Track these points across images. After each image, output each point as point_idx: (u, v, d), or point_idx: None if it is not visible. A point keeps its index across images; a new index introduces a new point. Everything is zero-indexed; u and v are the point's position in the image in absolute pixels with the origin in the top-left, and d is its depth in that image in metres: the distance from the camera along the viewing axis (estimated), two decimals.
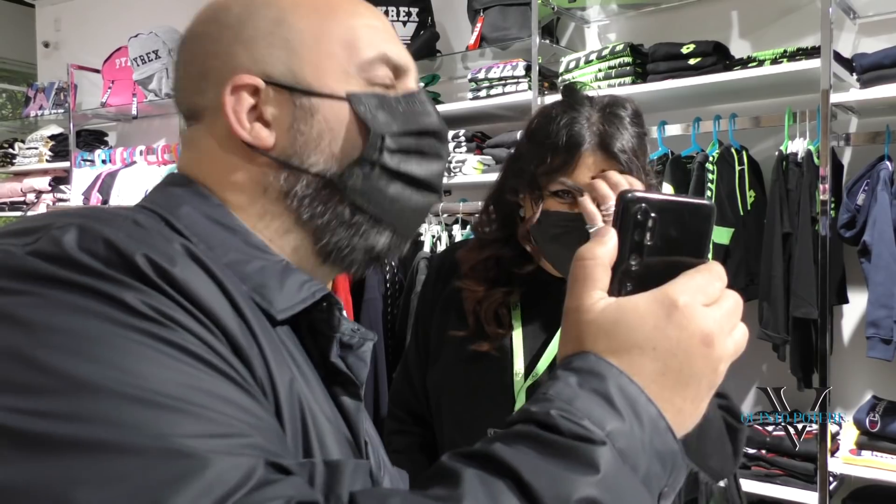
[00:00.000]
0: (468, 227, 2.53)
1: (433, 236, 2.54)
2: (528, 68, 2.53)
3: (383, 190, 0.61)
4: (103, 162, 3.98)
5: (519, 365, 1.15)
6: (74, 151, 4.11)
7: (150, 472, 0.38)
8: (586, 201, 1.03)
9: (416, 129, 0.63)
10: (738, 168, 2.16)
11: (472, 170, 2.65)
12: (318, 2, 0.62)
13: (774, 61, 2.08)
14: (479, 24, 2.67)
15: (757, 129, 2.27)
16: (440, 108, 2.78)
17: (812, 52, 2.03)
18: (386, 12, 2.81)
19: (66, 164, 4.16)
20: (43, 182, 4.29)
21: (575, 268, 0.48)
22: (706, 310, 0.46)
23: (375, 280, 2.32)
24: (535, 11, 2.47)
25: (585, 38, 2.76)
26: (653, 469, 0.44)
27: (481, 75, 2.65)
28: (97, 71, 4.13)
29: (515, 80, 2.57)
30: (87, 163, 4.06)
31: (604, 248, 0.47)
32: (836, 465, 2.03)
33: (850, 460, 2.03)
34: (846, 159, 2.24)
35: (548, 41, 2.60)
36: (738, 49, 2.36)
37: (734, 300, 0.48)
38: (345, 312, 0.60)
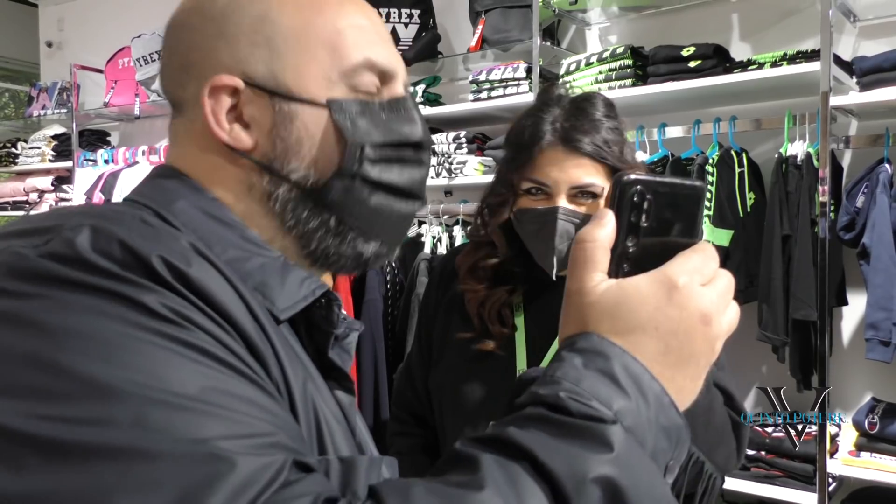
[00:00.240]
0: (469, 228, 2.54)
1: (434, 237, 2.54)
2: (528, 70, 2.54)
3: (365, 201, 0.60)
4: (106, 162, 3.99)
5: (522, 364, 1.17)
6: (77, 151, 4.12)
7: (183, 476, 0.39)
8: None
9: (398, 139, 0.61)
10: (737, 170, 2.17)
11: (472, 171, 2.66)
12: None
13: (774, 64, 2.09)
14: (480, 26, 2.68)
15: (757, 132, 2.28)
16: (441, 109, 2.80)
17: (812, 56, 2.04)
18: (388, 14, 2.83)
19: (68, 164, 4.17)
20: (45, 182, 4.30)
21: (575, 251, 0.49)
22: (704, 289, 0.47)
23: (376, 281, 2.33)
24: (536, 14, 2.48)
25: (586, 41, 2.77)
26: (659, 444, 0.45)
27: (482, 77, 2.66)
28: (100, 71, 4.14)
29: (516, 82, 2.58)
30: (90, 162, 4.07)
31: (603, 231, 0.48)
32: (835, 466, 2.04)
33: (849, 462, 2.04)
34: (846, 162, 2.24)
35: (549, 43, 2.60)
36: (739, 52, 2.37)
37: (727, 279, 0.49)
38: (343, 309, 0.60)
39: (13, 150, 4.54)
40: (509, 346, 1.18)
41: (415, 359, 1.33)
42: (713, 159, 2.17)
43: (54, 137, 4.31)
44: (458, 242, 2.53)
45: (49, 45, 4.84)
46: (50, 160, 4.28)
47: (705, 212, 2.14)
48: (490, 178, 1.28)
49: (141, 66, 3.72)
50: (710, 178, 2.15)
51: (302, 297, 0.56)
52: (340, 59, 0.59)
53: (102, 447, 0.38)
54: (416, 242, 2.61)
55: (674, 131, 2.36)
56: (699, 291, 0.47)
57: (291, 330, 0.57)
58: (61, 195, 4.22)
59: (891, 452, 1.99)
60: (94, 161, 4.05)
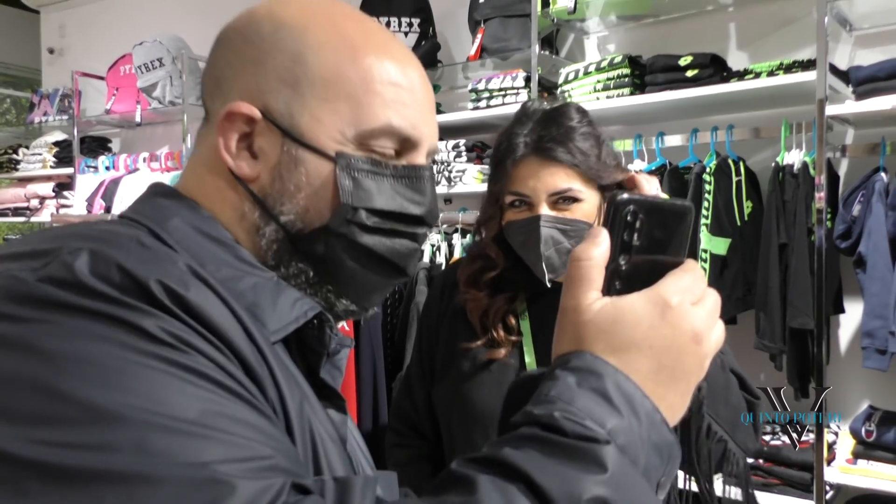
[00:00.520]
0: (468, 236, 2.55)
1: (433, 245, 2.56)
2: (527, 79, 2.55)
3: (343, 262, 0.60)
4: (107, 168, 4.00)
5: (532, 367, 1.18)
6: (78, 158, 4.13)
7: (183, 500, 0.39)
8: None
9: (398, 209, 0.60)
10: (735, 179, 2.18)
11: (471, 179, 2.68)
12: (347, 44, 0.59)
13: (771, 73, 2.10)
14: (479, 35, 2.69)
15: (754, 140, 2.29)
16: (441, 117, 2.81)
17: (808, 65, 2.05)
18: (388, 23, 2.84)
19: (69, 171, 4.19)
20: (46, 188, 4.32)
21: (571, 268, 0.50)
22: (695, 309, 0.49)
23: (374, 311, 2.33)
24: (534, 23, 2.49)
25: (585, 49, 2.78)
26: (651, 461, 0.46)
27: (482, 86, 2.67)
28: (101, 78, 4.16)
29: (515, 91, 2.60)
30: (91, 169, 4.09)
31: (599, 249, 0.49)
32: (832, 474, 2.04)
33: (846, 469, 2.05)
34: (842, 170, 2.25)
35: (547, 52, 2.62)
36: (736, 61, 2.38)
37: (715, 298, 0.51)
38: (336, 328, 0.60)
39: (14, 156, 4.55)
40: (517, 351, 1.20)
41: (414, 371, 1.34)
42: (711, 168, 2.18)
43: (56, 144, 4.33)
44: (457, 251, 2.54)
45: (51, 51, 4.86)
46: (51, 167, 4.29)
47: (703, 220, 2.15)
48: None
49: (142, 73, 3.73)
50: (707, 186, 2.16)
51: (293, 319, 0.56)
52: (360, 118, 0.58)
53: (104, 472, 0.39)
54: None
55: (672, 140, 2.37)
56: (691, 311, 0.48)
57: (284, 349, 0.57)
58: (62, 202, 4.23)
59: (888, 460, 2.00)
60: (96, 168, 4.06)
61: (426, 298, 1.41)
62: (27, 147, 4.53)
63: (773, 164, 2.15)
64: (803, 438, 2.12)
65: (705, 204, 2.16)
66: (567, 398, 0.45)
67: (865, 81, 1.99)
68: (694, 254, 2.15)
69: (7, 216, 4.60)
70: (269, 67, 0.58)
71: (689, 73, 2.22)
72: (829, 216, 2.03)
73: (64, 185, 4.28)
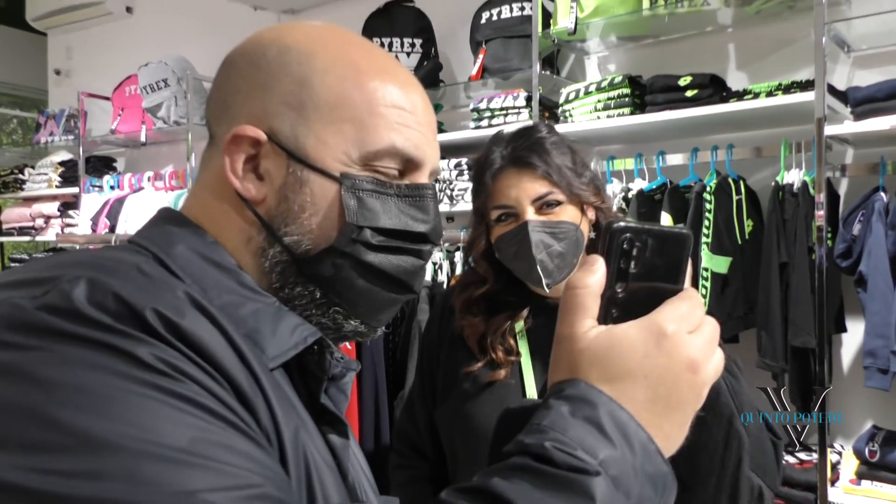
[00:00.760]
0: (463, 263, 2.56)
1: (434, 264, 2.56)
2: (529, 98, 2.57)
3: (352, 282, 0.60)
4: (112, 188, 4.03)
5: (531, 386, 1.19)
6: (83, 177, 4.16)
7: None
8: None
9: (403, 227, 0.61)
10: (735, 198, 2.19)
11: None
12: (352, 68, 0.60)
13: (770, 94, 2.12)
14: (481, 56, 2.72)
15: (754, 159, 2.30)
16: (443, 136, 2.83)
17: (806, 86, 2.07)
18: (390, 43, 2.87)
19: (75, 190, 4.21)
20: (52, 207, 4.34)
21: (567, 296, 0.50)
22: (691, 337, 0.48)
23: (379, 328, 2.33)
24: (535, 43, 2.52)
25: (586, 69, 2.81)
26: (645, 493, 0.45)
27: (483, 105, 2.70)
28: (107, 98, 4.20)
29: (517, 110, 2.62)
30: (96, 188, 4.12)
31: (594, 277, 0.49)
32: (836, 494, 2.03)
33: (849, 490, 2.03)
34: (843, 190, 2.26)
35: (548, 72, 2.64)
36: (735, 81, 2.40)
37: (713, 327, 0.50)
38: (339, 352, 0.60)
39: (20, 176, 4.59)
40: (516, 371, 1.21)
41: (416, 394, 1.35)
42: (711, 187, 2.19)
43: (61, 164, 4.36)
44: (458, 269, 2.54)
45: (57, 72, 4.91)
46: (56, 186, 4.33)
47: (703, 239, 2.16)
48: None
49: (147, 93, 3.77)
50: (707, 205, 2.17)
51: (293, 345, 0.56)
52: (365, 140, 0.59)
53: (94, 500, 0.39)
54: None
55: (672, 159, 2.39)
56: (687, 339, 0.48)
57: (284, 374, 0.57)
58: (67, 221, 4.26)
59: (891, 480, 1.99)
60: (101, 187, 4.09)
61: (427, 320, 1.42)
62: (33, 167, 4.57)
63: (773, 184, 2.16)
64: (806, 458, 2.11)
65: (706, 223, 2.16)
66: (560, 428, 0.45)
67: (864, 102, 2.00)
68: (695, 272, 2.16)
69: (12, 235, 4.63)
70: (275, 91, 0.59)
71: (689, 94, 2.23)
72: (829, 235, 2.04)
73: (69, 205, 4.31)
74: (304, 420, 0.56)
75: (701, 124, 2.30)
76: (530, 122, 1.32)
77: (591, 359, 0.48)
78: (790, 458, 2.13)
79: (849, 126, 2.02)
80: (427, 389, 1.32)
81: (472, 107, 2.76)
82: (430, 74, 2.89)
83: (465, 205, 2.69)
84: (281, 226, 0.59)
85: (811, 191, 2.04)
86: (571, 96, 2.48)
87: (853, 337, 2.24)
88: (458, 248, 2.66)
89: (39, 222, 4.43)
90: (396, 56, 2.87)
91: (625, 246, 0.49)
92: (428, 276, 2.52)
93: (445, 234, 2.60)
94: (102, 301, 0.46)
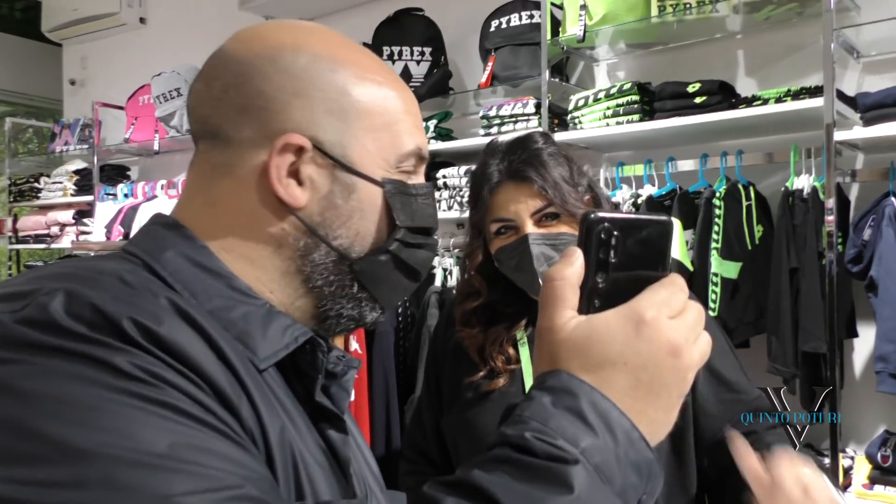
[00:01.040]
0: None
1: (444, 269, 2.58)
2: (538, 106, 2.58)
3: (388, 276, 0.64)
4: (125, 196, 4.07)
5: None
6: (98, 186, 4.21)
7: None
8: None
9: (423, 226, 0.66)
10: (745, 203, 2.19)
11: None
12: (375, 76, 0.62)
13: (779, 100, 2.12)
14: (490, 63, 2.74)
15: (764, 165, 2.31)
16: (453, 144, 2.85)
17: (815, 91, 2.07)
18: (400, 52, 2.90)
19: (89, 198, 4.27)
20: (67, 215, 4.40)
21: (545, 289, 0.51)
22: (672, 322, 0.48)
23: (388, 313, 2.35)
24: (544, 51, 2.53)
25: (595, 76, 2.82)
26: (629, 480, 0.46)
27: (493, 112, 2.71)
28: (121, 108, 4.26)
29: (526, 118, 2.63)
30: (110, 197, 4.16)
31: (571, 269, 0.50)
32: (848, 500, 2.02)
33: (862, 494, 2.02)
34: (853, 195, 2.26)
35: (558, 79, 2.65)
36: (744, 87, 2.41)
37: (697, 311, 0.50)
38: (336, 345, 0.62)
39: (36, 184, 4.65)
40: (517, 379, 1.21)
41: (424, 401, 1.37)
42: (720, 193, 2.19)
43: (76, 172, 4.41)
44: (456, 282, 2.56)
45: (72, 82, 4.98)
46: (71, 194, 4.37)
47: (713, 244, 2.16)
48: None
49: (160, 103, 3.82)
50: (717, 210, 2.18)
51: (283, 346, 0.57)
52: (398, 144, 0.63)
53: None
54: (428, 275, 2.64)
55: (682, 165, 2.39)
56: (667, 324, 0.48)
57: (279, 374, 0.58)
58: (82, 229, 4.31)
59: None
60: (115, 195, 4.14)
61: (434, 329, 1.43)
62: (48, 176, 4.63)
63: (782, 189, 2.16)
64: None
65: (715, 228, 2.17)
66: (541, 418, 0.46)
67: (873, 108, 2.00)
68: (704, 277, 2.16)
69: (28, 243, 4.68)
70: (316, 99, 0.60)
71: (698, 100, 2.24)
72: (840, 240, 2.04)
73: (84, 213, 4.36)
74: (294, 419, 0.57)
75: (710, 130, 2.31)
76: (528, 131, 1.30)
77: (572, 349, 0.48)
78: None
79: (858, 132, 2.02)
80: (434, 397, 1.33)
81: (481, 114, 2.77)
82: (439, 82, 2.91)
83: None
84: (330, 231, 0.61)
85: (821, 196, 2.05)
86: (580, 103, 2.49)
87: (864, 342, 2.23)
88: None
89: (55, 230, 4.49)
90: (406, 64, 2.90)
91: (602, 236, 0.49)
92: (438, 282, 2.54)
93: (456, 240, 2.61)
94: (79, 312, 0.46)
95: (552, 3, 2.56)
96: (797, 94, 2.11)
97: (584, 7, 2.42)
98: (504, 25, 2.73)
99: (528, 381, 1.21)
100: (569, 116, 2.54)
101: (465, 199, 2.73)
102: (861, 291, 2.10)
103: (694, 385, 1.06)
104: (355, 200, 0.61)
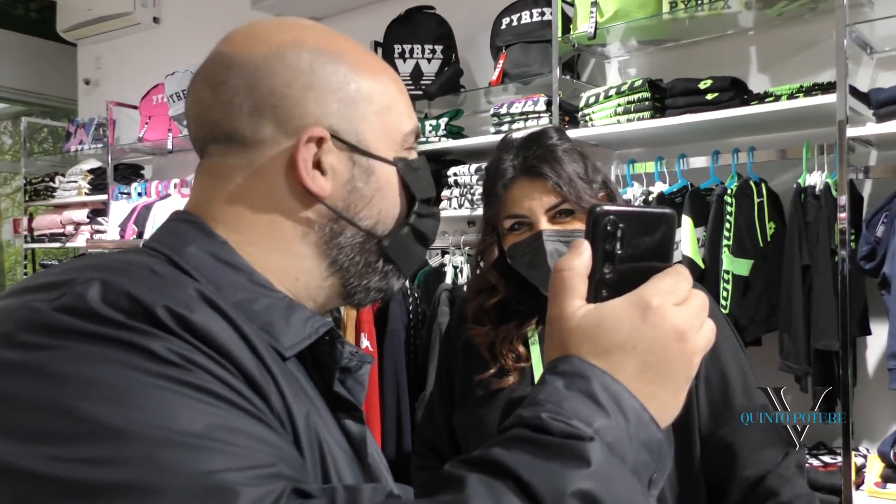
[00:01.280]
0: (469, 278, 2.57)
1: (455, 267, 2.58)
2: (549, 103, 2.58)
3: (409, 247, 0.69)
4: (139, 195, 4.11)
5: None
6: (112, 185, 4.25)
7: None
8: None
9: (430, 195, 0.70)
10: (757, 200, 2.18)
11: None
12: (368, 64, 0.66)
13: (791, 96, 2.11)
14: (501, 61, 2.74)
15: (776, 162, 2.30)
16: (464, 142, 2.86)
17: (828, 87, 2.06)
18: (412, 50, 2.91)
19: (104, 197, 4.30)
20: (82, 214, 4.44)
21: (554, 279, 0.53)
22: (677, 309, 0.50)
23: (398, 311, 2.37)
24: (555, 48, 2.53)
25: (606, 73, 2.81)
26: (641, 458, 0.47)
27: (504, 110, 2.71)
28: (135, 107, 4.29)
29: (537, 115, 2.63)
30: (124, 195, 4.20)
31: (579, 260, 0.52)
32: (861, 498, 2.01)
33: (875, 493, 2.01)
34: (866, 192, 2.24)
35: (569, 77, 2.65)
36: (757, 83, 2.39)
37: (701, 299, 0.52)
38: (347, 344, 0.64)
39: (51, 184, 4.70)
40: (527, 378, 1.21)
41: (436, 398, 1.38)
42: (732, 190, 2.18)
43: (90, 171, 4.45)
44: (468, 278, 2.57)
45: (87, 82, 5.02)
46: (86, 193, 4.42)
47: (724, 241, 2.15)
48: None
49: (174, 102, 3.84)
50: (728, 207, 2.17)
51: (306, 336, 0.60)
52: (400, 125, 0.67)
53: (116, 485, 0.42)
54: (439, 272, 2.65)
55: (693, 162, 2.39)
56: (673, 311, 0.50)
57: (300, 365, 0.60)
58: (96, 227, 4.35)
59: None
60: (129, 194, 4.17)
61: (445, 330, 1.44)
62: (63, 175, 4.67)
63: (795, 186, 2.15)
64: (831, 461, 2.10)
65: (727, 225, 2.16)
66: (555, 400, 0.48)
67: (886, 104, 1.99)
68: (716, 275, 2.15)
69: (44, 242, 4.73)
70: (326, 92, 0.62)
71: (709, 97, 2.23)
72: (852, 237, 2.03)
73: (98, 212, 4.40)
74: (317, 406, 0.59)
75: (722, 127, 2.30)
76: (543, 127, 1.30)
77: (582, 335, 0.50)
78: (814, 462, 2.12)
79: (871, 128, 2.00)
80: (445, 394, 1.34)
81: (492, 112, 2.77)
82: (450, 80, 2.91)
83: None
84: (355, 213, 0.64)
85: (834, 193, 2.03)
86: (591, 100, 2.49)
87: (878, 339, 2.22)
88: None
89: (70, 229, 4.53)
90: (417, 62, 2.91)
91: (608, 228, 0.51)
92: (448, 279, 2.54)
93: (467, 237, 2.62)
94: (115, 300, 0.48)
95: (563, 1, 2.56)
96: (810, 91, 2.10)
97: (595, 4, 2.41)
98: (515, 23, 2.73)
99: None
100: (580, 114, 2.54)
101: (476, 197, 2.73)
102: (874, 289, 2.09)
103: (698, 376, 1.07)
104: (375, 182, 0.65)
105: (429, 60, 2.92)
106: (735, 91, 2.23)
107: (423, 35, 2.92)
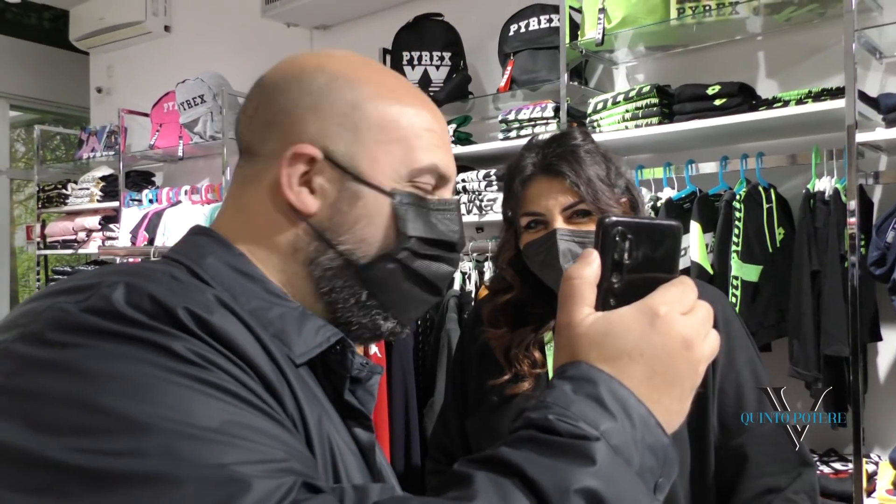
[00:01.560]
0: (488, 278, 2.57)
1: (463, 273, 2.59)
2: (557, 109, 2.59)
3: (397, 285, 0.67)
4: (150, 202, 4.14)
5: None
6: (123, 191, 4.28)
7: (203, 497, 0.44)
8: None
9: (440, 238, 0.68)
10: (765, 206, 2.18)
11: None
12: (394, 94, 0.66)
13: (800, 101, 2.11)
14: (509, 67, 2.75)
15: (785, 167, 2.29)
16: (472, 148, 2.87)
17: (837, 93, 2.05)
18: (420, 57, 2.92)
19: (115, 204, 4.34)
20: (93, 221, 4.47)
21: (564, 287, 0.54)
22: (684, 318, 0.52)
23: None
24: (563, 55, 2.54)
25: (614, 79, 2.81)
26: (646, 462, 0.49)
27: (512, 116, 2.72)
28: (146, 115, 4.33)
29: (545, 121, 2.63)
30: (136, 202, 4.23)
31: (589, 268, 0.53)
32: None
33: (886, 500, 1.99)
34: (876, 197, 2.23)
35: (576, 83, 2.66)
36: (765, 89, 2.39)
37: (706, 309, 0.54)
38: (358, 352, 0.65)
39: (64, 191, 4.74)
40: (542, 384, 1.20)
41: (450, 403, 1.38)
42: (740, 195, 2.18)
43: (102, 178, 4.49)
44: (487, 279, 2.56)
45: (99, 90, 5.07)
46: (98, 200, 4.45)
47: (733, 247, 2.15)
48: None
49: (184, 109, 3.87)
50: (737, 213, 2.16)
51: (317, 344, 0.62)
52: (411, 159, 0.66)
53: (136, 475, 0.44)
54: None
55: (702, 167, 2.38)
56: (679, 319, 0.51)
57: (311, 373, 0.62)
58: (108, 234, 4.38)
59: None
60: (140, 201, 4.20)
61: (460, 333, 1.44)
62: (75, 182, 4.72)
63: (804, 191, 2.14)
64: (842, 468, 2.08)
65: (735, 231, 2.16)
66: (563, 403, 0.49)
67: (895, 109, 1.98)
68: (725, 280, 2.15)
69: (56, 248, 4.77)
70: (328, 114, 0.64)
71: (718, 102, 2.23)
72: (862, 243, 2.02)
73: (110, 219, 4.43)
74: (328, 410, 0.61)
75: (730, 133, 2.30)
76: (566, 128, 1.29)
77: (590, 342, 0.52)
78: (825, 469, 2.10)
79: (881, 133, 2.00)
80: (459, 397, 1.34)
81: (500, 118, 2.78)
82: (458, 87, 2.93)
83: (494, 215, 2.72)
84: (335, 236, 0.64)
85: (843, 198, 2.03)
86: (599, 106, 2.49)
87: (889, 345, 2.21)
88: (486, 259, 2.68)
89: (81, 235, 4.56)
90: (426, 69, 2.92)
91: (617, 238, 0.53)
92: (457, 286, 2.55)
93: (475, 244, 2.62)
94: (139, 302, 0.51)
95: (571, 7, 2.56)
96: (818, 96, 2.10)
97: (602, 10, 2.42)
98: (523, 29, 2.74)
99: None
100: (588, 120, 2.54)
101: (484, 203, 2.74)
102: (884, 294, 2.08)
103: (713, 376, 1.06)
104: (361, 208, 0.64)
105: (437, 67, 2.94)
106: (743, 96, 2.23)
107: (432, 42, 2.94)
